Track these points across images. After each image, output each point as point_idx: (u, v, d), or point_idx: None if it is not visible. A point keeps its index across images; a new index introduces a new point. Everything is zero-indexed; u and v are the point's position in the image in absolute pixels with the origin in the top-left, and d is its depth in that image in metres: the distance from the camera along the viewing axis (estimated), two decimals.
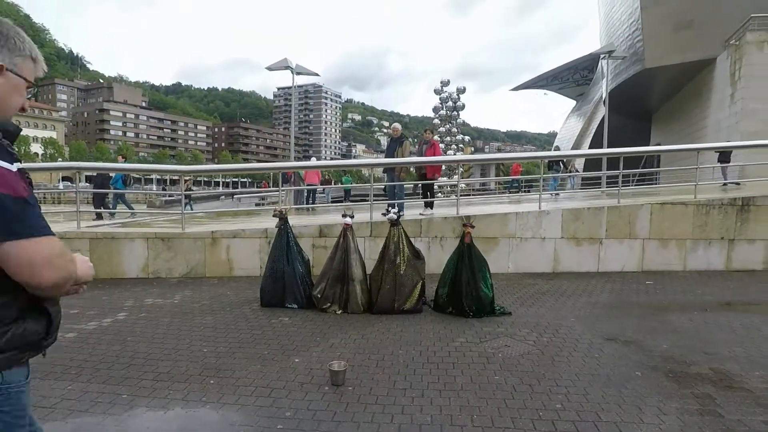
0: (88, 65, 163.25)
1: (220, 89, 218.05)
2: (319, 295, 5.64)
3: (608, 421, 2.97)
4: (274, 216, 6.10)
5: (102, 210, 10.68)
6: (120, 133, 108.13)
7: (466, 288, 5.36)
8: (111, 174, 11.21)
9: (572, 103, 57.56)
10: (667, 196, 10.34)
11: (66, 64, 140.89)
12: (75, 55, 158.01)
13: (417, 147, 9.97)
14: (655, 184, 19.90)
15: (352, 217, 5.87)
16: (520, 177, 17.40)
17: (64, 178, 48.94)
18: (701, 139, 23.32)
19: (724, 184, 12.79)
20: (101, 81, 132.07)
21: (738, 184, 12.56)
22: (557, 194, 13.30)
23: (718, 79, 22.34)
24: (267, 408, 3.14)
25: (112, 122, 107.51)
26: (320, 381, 3.57)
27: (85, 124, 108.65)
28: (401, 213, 6.11)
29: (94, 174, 11.51)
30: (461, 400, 3.26)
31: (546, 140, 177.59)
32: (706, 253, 8.33)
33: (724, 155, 13.85)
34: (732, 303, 6.08)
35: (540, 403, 3.21)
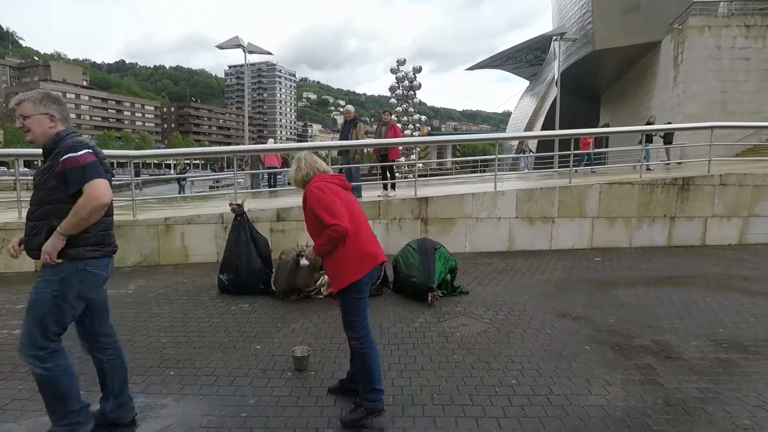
0: (20, 41, 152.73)
1: (167, 67, 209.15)
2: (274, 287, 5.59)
3: (560, 394, 3.15)
4: (231, 210, 5.93)
5: None
6: None
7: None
8: None
9: (526, 83, 58.69)
10: (614, 176, 10.80)
11: None
12: (5, 30, 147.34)
13: (376, 128, 9.95)
14: (604, 163, 20.73)
15: None
16: (590, 151, 15.90)
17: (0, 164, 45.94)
18: (646, 119, 24.39)
19: (667, 164, 13.48)
20: (36, 59, 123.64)
21: (680, 163, 13.27)
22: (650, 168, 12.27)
23: (662, 62, 23.30)
24: (229, 397, 3.14)
25: None
26: (283, 367, 3.59)
27: None
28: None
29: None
30: (422, 380, 3.37)
31: (501, 119, 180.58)
32: (650, 230, 8.80)
33: (667, 136, 14.58)
34: (672, 278, 6.49)
35: (496, 380, 3.36)
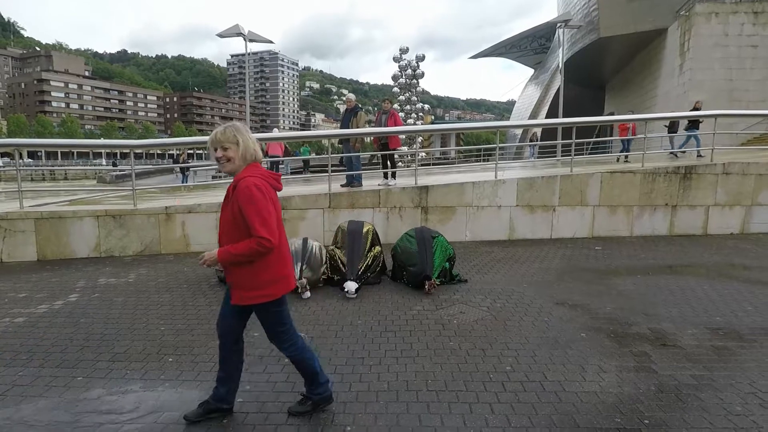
0: (21, 31, 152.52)
1: (170, 57, 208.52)
2: None
3: (553, 380, 3.16)
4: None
5: None
6: (63, 104, 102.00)
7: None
8: None
9: (531, 71, 58.19)
10: (617, 164, 10.76)
11: None
12: (6, 20, 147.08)
13: (376, 117, 9.92)
14: (608, 152, 20.58)
15: None
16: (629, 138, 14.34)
17: (2, 155, 46.12)
18: (652, 108, 24.19)
19: (677, 154, 13.38)
20: (38, 49, 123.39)
21: (684, 152, 13.17)
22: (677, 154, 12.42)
23: (668, 50, 23.05)
24: None
25: (53, 93, 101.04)
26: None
27: (23, 96, 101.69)
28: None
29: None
30: (417, 366, 3.40)
31: (505, 108, 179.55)
32: (652, 219, 8.77)
33: (673, 125, 14.45)
34: (672, 266, 6.48)
35: (491, 366, 3.38)
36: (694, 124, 12.77)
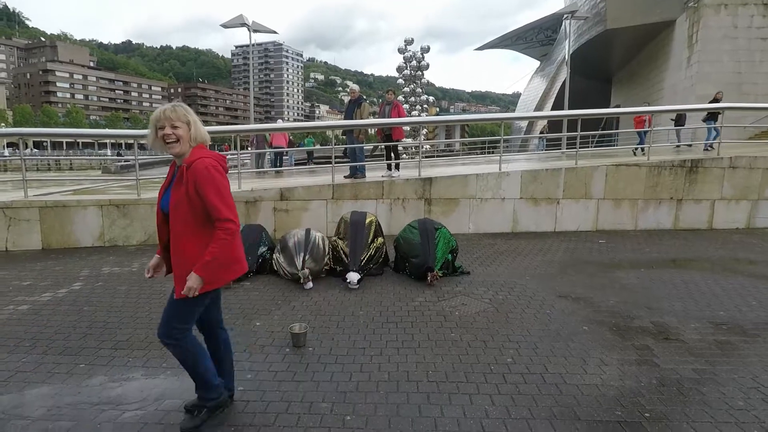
0: (26, 22, 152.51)
1: (174, 47, 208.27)
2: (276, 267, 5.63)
3: (554, 372, 3.16)
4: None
5: None
6: (68, 95, 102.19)
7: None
8: None
9: (536, 63, 57.72)
10: (622, 157, 10.68)
11: (1, 20, 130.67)
12: (12, 10, 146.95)
13: (379, 108, 9.88)
14: (614, 145, 20.46)
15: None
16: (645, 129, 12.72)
17: (8, 145, 46.33)
18: (659, 101, 23.95)
19: (678, 146, 13.28)
20: (43, 39, 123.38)
21: (690, 145, 13.06)
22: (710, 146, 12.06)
23: (676, 42, 22.78)
24: None
25: (58, 84, 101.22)
26: (281, 343, 3.63)
27: (28, 86, 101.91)
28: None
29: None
30: (418, 357, 3.40)
31: (510, 101, 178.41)
32: (656, 212, 8.71)
33: (679, 117, 14.31)
34: (676, 260, 6.45)
35: (492, 358, 3.37)
36: (712, 116, 12.59)
